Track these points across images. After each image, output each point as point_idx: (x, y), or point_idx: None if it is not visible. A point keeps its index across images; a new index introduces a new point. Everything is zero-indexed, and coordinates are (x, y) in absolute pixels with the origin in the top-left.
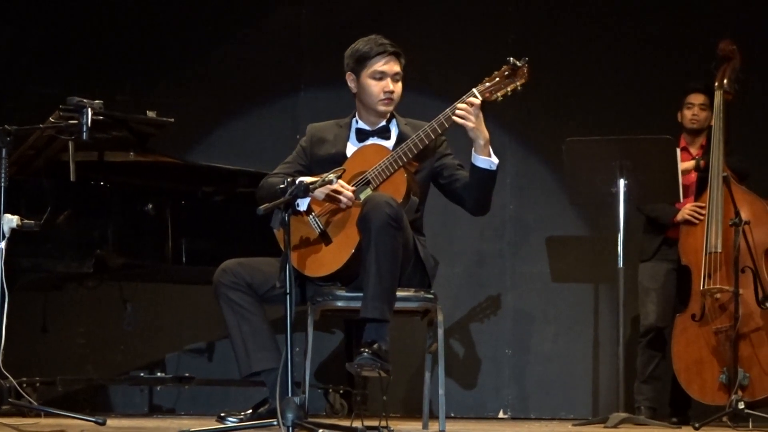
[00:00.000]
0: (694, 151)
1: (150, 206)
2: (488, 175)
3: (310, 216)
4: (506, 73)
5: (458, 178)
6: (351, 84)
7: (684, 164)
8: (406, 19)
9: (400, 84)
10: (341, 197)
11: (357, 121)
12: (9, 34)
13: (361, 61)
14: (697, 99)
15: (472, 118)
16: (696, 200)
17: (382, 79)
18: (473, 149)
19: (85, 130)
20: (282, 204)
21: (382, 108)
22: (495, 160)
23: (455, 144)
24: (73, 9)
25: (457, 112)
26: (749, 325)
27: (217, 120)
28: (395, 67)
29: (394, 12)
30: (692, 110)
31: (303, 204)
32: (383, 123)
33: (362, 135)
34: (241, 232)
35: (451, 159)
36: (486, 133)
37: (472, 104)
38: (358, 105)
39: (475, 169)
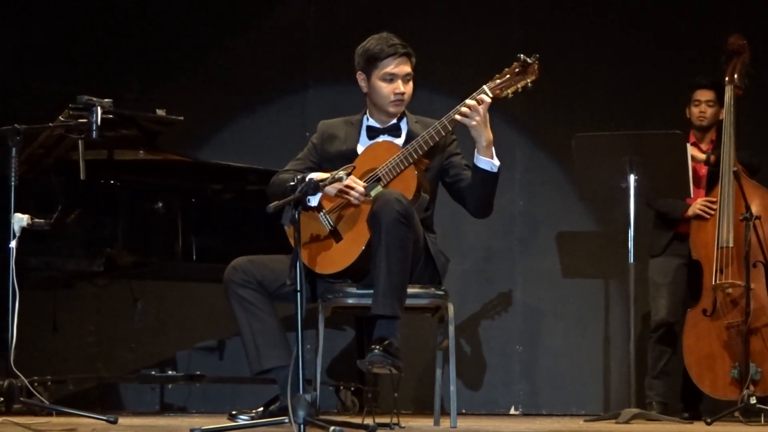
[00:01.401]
0: (704, 146)
1: (160, 204)
2: (489, 177)
3: (321, 213)
4: (517, 70)
5: (463, 178)
6: (362, 83)
7: (694, 152)
8: (412, 15)
9: (411, 84)
10: (352, 193)
11: (368, 119)
12: (17, 32)
13: (371, 62)
14: (703, 96)
15: (476, 116)
16: (707, 195)
17: (393, 80)
18: (476, 149)
19: (94, 128)
20: (292, 201)
21: (392, 109)
22: (496, 162)
23: (465, 143)
24: (80, 7)
25: (462, 109)
26: (761, 319)
27: (226, 117)
28: (406, 68)
29: (401, 8)
30: (699, 107)
31: (314, 200)
32: (394, 121)
33: (373, 132)
34: (250, 230)
35: (460, 159)
36: (489, 135)
37: (481, 102)
38: (368, 103)
39: (476, 169)
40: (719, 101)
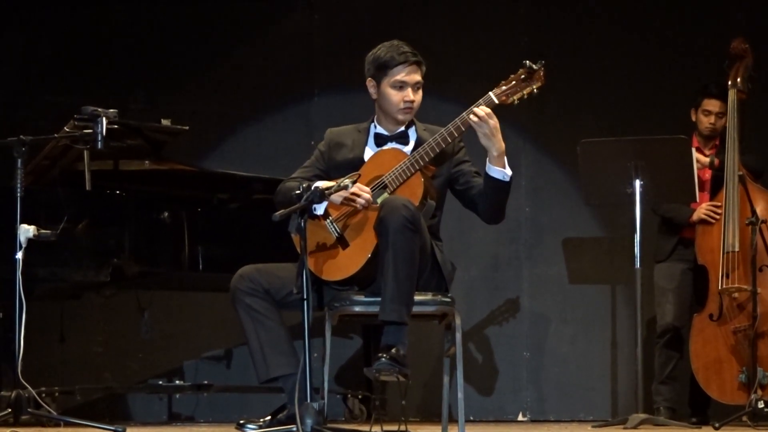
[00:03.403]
0: (707, 150)
1: (166, 214)
2: (501, 186)
3: (327, 220)
4: (522, 76)
5: (473, 185)
6: (371, 90)
7: (698, 156)
8: (417, 23)
9: (420, 92)
10: (358, 200)
11: (376, 126)
12: (23, 43)
13: (382, 69)
14: (714, 106)
15: (485, 128)
16: (711, 199)
17: (403, 88)
18: (487, 159)
19: (99, 139)
20: (298, 210)
21: (401, 117)
22: (509, 171)
23: (473, 150)
24: (85, 18)
25: (474, 114)
26: None
27: (232, 127)
28: (416, 77)
29: (406, 16)
30: (710, 118)
31: (320, 208)
32: (402, 128)
33: (381, 140)
34: (257, 238)
35: (469, 166)
36: (501, 145)
37: (490, 116)
38: (377, 110)
39: (488, 178)
40: (726, 110)
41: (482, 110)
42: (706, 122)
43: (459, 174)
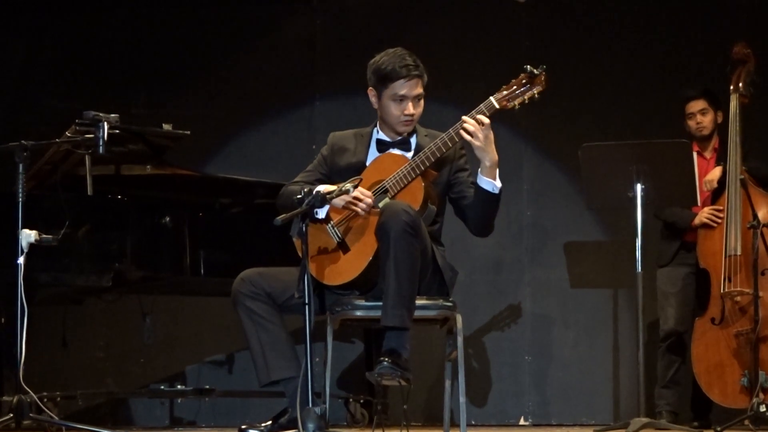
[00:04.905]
0: (708, 154)
1: (167, 219)
2: (490, 198)
3: (329, 225)
4: (524, 81)
5: (466, 195)
6: (372, 99)
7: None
8: (419, 28)
9: (421, 103)
10: (360, 204)
11: (378, 132)
12: (24, 48)
13: (382, 81)
14: (695, 107)
15: (480, 135)
16: (713, 203)
17: (403, 102)
18: (479, 169)
19: (101, 143)
20: (299, 214)
21: (401, 129)
22: (498, 184)
23: (473, 160)
24: (87, 23)
25: (465, 126)
26: None
27: (233, 131)
28: (417, 89)
29: (408, 21)
30: (695, 119)
31: (321, 212)
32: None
33: (382, 146)
34: (258, 243)
35: (466, 175)
36: (494, 156)
37: (481, 123)
38: (379, 117)
39: (478, 189)
40: (712, 106)
41: (473, 123)
42: (693, 125)
43: (455, 181)
